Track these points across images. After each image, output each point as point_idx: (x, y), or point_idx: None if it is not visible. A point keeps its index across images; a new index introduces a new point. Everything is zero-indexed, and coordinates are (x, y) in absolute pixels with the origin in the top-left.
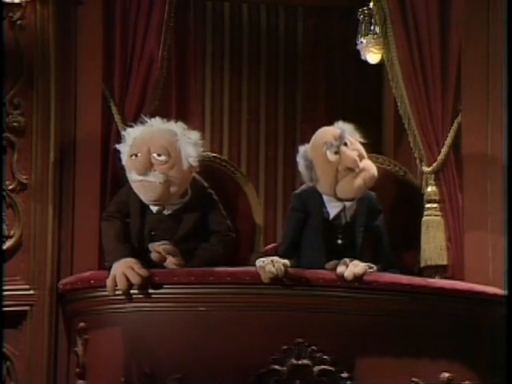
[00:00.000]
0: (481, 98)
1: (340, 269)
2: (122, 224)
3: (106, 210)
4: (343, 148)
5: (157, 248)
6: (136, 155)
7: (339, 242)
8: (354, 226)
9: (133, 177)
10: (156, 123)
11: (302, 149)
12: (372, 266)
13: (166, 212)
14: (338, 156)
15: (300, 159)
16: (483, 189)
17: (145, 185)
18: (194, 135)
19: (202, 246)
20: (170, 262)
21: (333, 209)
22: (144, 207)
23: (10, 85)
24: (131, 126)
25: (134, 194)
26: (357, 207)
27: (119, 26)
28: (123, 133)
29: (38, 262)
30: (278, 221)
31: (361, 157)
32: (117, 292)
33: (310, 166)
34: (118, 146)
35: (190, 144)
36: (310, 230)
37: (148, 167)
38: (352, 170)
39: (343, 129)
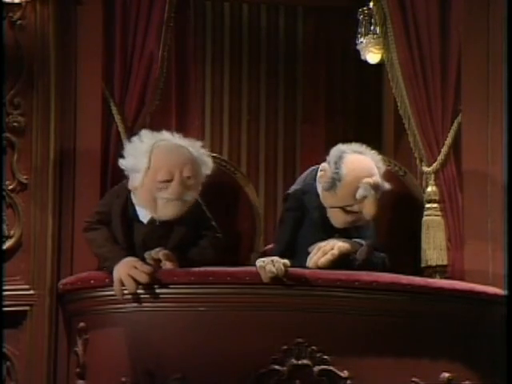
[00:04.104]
0: (481, 98)
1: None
2: (108, 230)
3: (87, 220)
4: (369, 199)
5: (155, 255)
6: (168, 181)
7: (336, 235)
8: None
9: (162, 195)
10: (164, 138)
11: (336, 152)
12: (361, 242)
13: (157, 222)
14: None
15: (331, 164)
16: (483, 189)
17: (172, 203)
18: (208, 158)
19: (193, 251)
20: (167, 267)
21: None
22: (129, 219)
23: (10, 85)
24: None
25: (118, 205)
26: None
27: (119, 25)
28: (127, 145)
29: (37, 262)
30: None
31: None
32: (125, 293)
33: (337, 179)
34: (121, 160)
35: (205, 166)
36: (307, 227)
37: (184, 191)
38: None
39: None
